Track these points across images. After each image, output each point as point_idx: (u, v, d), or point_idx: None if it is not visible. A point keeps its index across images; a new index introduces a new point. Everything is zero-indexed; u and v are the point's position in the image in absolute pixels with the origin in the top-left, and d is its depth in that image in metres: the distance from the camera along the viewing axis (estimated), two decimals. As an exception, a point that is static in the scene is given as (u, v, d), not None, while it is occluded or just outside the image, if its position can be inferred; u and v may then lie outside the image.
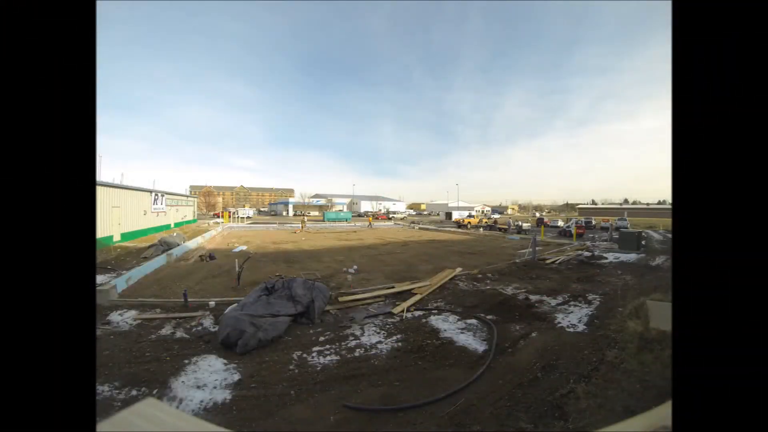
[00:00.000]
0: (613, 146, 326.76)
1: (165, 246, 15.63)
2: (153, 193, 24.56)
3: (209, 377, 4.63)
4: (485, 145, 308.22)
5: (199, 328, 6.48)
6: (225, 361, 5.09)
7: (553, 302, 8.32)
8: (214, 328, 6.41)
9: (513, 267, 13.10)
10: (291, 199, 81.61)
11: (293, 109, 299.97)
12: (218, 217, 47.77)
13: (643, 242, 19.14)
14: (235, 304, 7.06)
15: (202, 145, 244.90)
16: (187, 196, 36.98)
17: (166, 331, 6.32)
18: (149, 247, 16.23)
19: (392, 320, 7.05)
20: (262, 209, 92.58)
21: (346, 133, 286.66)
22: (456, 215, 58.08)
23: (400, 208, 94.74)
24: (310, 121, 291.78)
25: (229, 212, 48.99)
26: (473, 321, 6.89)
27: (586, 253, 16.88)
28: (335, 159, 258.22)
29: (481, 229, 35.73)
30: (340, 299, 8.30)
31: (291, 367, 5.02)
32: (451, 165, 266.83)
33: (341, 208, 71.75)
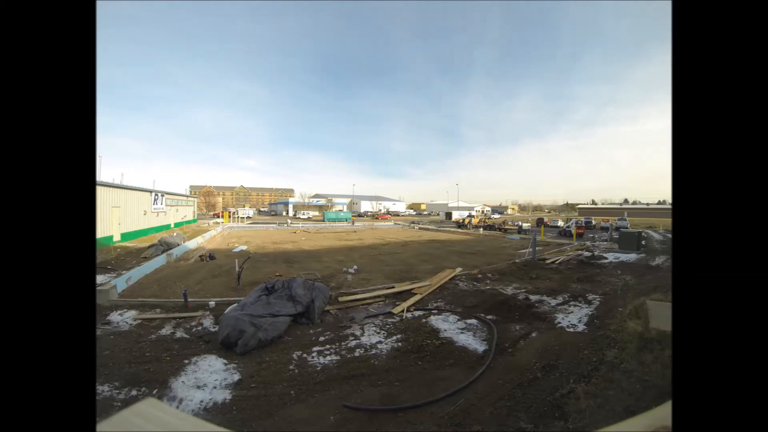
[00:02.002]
0: (615, 148, 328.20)
1: (165, 246, 15.62)
2: (153, 193, 24.56)
3: (209, 377, 4.63)
4: (491, 146, 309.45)
5: (199, 328, 6.48)
6: (225, 361, 5.09)
7: (553, 302, 8.32)
8: (214, 328, 6.41)
9: (513, 267, 13.10)
10: (291, 199, 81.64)
11: (299, 110, 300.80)
12: (218, 217, 47.79)
13: (643, 242, 19.12)
14: (235, 304, 7.06)
15: (203, 145, 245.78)
16: (187, 196, 36.98)
17: (166, 331, 6.32)
18: (149, 247, 16.22)
19: (392, 320, 7.05)
20: (262, 209, 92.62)
21: (353, 135, 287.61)
22: (456, 215, 58.07)
23: (400, 208, 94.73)
24: (315, 122, 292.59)
25: (229, 212, 49.03)
26: (473, 321, 6.89)
27: (586, 253, 16.87)
28: (340, 160, 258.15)
29: (481, 230, 35.73)
30: (340, 299, 8.31)
31: (291, 367, 5.02)
32: (456, 166, 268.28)
33: (341, 208, 71.76)
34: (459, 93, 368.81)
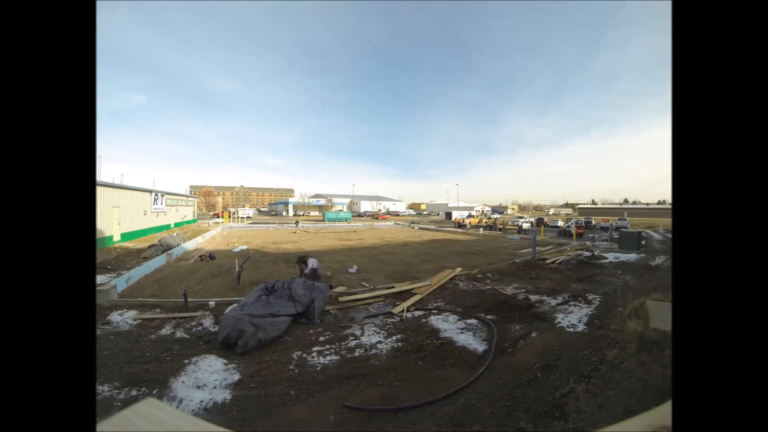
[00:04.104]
0: (620, 154, 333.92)
1: (165, 246, 15.62)
2: (153, 193, 24.55)
3: (209, 377, 4.63)
4: (513, 153, 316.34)
5: (199, 328, 6.48)
6: (225, 361, 5.09)
7: (553, 302, 8.32)
8: (214, 328, 6.41)
9: (513, 267, 13.10)
10: (291, 199, 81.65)
11: (329, 116, 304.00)
12: (218, 217, 47.82)
13: (643, 242, 19.13)
14: (235, 304, 7.06)
15: (209, 146, 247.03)
16: (187, 196, 36.97)
17: (166, 331, 6.32)
18: (149, 247, 16.22)
19: (392, 320, 7.05)
20: (261, 209, 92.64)
21: (392, 141, 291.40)
22: (456, 215, 58.16)
23: (400, 208, 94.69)
24: (328, 125, 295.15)
25: (229, 212, 49.10)
26: (473, 321, 6.89)
27: (586, 253, 16.87)
28: (369, 164, 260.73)
29: (481, 230, 35.71)
30: (340, 299, 8.30)
31: (291, 367, 5.02)
32: (474, 168, 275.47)
33: (341, 208, 71.79)
34: (504, 112, 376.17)
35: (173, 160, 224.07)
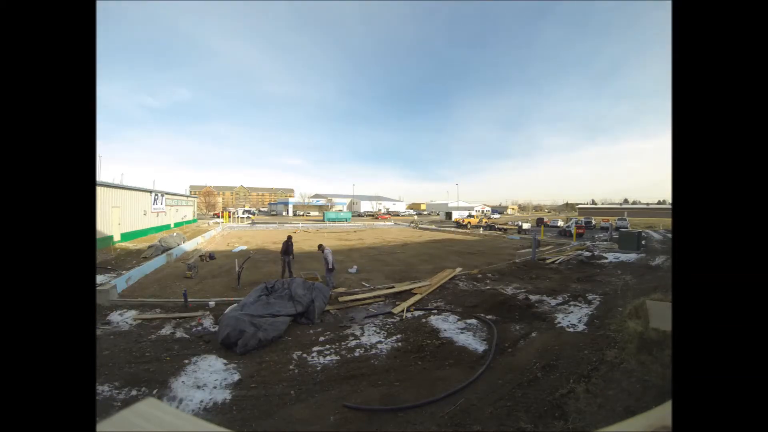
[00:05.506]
0: (622, 155, 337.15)
1: (165, 246, 15.62)
2: (153, 193, 24.55)
3: (209, 377, 4.63)
4: (526, 157, 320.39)
5: (199, 328, 6.48)
6: (225, 361, 5.09)
7: (553, 302, 8.32)
8: (214, 328, 6.41)
9: (513, 267, 13.10)
10: (291, 199, 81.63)
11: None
12: (218, 217, 47.87)
13: (643, 242, 19.13)
14: (235, 304, 7.06)
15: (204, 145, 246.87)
16: (187, 196, 36.95)
17: (166, 331, 6.32)
18: (149, 247, 16.22)
19: (392, 320, 7.04)
20: (261, 209, 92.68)
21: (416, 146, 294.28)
22: (456, 215, 58.37)
23: (400, 208, 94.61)
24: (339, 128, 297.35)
25: (229, 212, 49.19)
26: (473, 321, 6.89)
27: (586, 253, 16.86)
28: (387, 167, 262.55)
29: (481, 229, 35.73)
30: (340, 299, 8.30)
31: (291, 367, 5.02)
32: (487, 169, 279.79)
33: (341, 208, 71.80)
34: (524, 120, 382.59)
35: (173, 160, 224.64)
